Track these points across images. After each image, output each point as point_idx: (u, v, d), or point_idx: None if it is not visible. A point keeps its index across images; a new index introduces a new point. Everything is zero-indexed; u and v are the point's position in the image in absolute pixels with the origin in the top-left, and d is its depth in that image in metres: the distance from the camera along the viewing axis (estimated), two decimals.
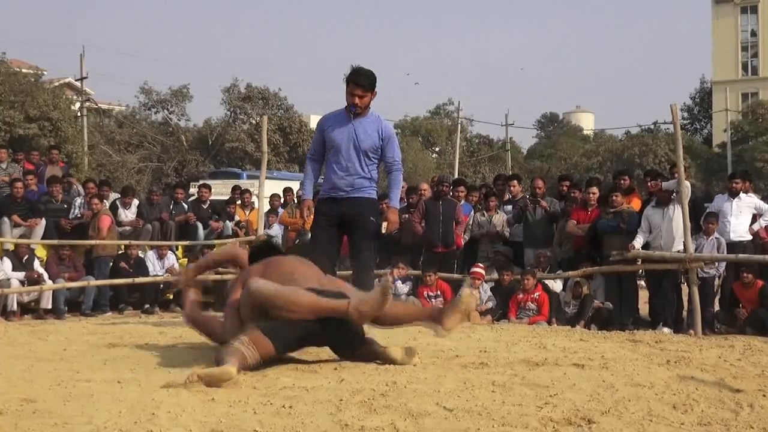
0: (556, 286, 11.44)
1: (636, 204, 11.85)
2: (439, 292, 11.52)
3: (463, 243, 12.61)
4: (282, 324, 5.17)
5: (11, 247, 12.54)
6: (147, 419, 4.13)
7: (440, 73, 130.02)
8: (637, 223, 11.02)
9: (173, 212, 14.28)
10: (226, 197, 16.06)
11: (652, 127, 57.02)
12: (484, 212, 12.73)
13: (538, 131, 74.82)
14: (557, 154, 56.76)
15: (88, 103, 40.09)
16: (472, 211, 13.03)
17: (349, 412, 4.28)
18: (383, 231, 8.53)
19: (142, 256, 13.39)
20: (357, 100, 7.16)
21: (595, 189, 11.96)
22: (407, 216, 12.61)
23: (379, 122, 7.46)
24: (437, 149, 56.54)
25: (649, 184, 11.92)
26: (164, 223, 13.98)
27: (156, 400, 4.48)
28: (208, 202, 15.19)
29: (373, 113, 7.49)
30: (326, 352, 5.90)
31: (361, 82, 7.15)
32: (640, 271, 11.63)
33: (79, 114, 37.05)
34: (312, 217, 7.91)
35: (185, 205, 14.69)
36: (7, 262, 11.99)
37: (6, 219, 13.02)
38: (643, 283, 12.24)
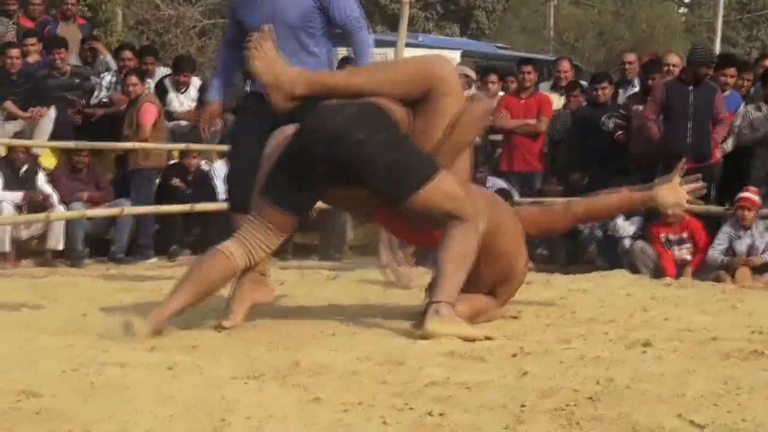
0: None
1: None
2: (685, 235, 8.23)
3: (723, 154, 9.10)
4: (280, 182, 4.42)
5: (3, 152, 9.00)
6: (213, 430, 2.86)
7: None
8: None
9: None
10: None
11: None
12: (762, 105, 9.08)
13: None
14: None
15: None
16: (742, 104, 9.36)
17: (537, 427, 2.84)
18: None
19: (206, 168, 10.04)
20: None
21: None
22: (638, 109, 9.35)
23: None
24: (687, 1, 38.88)
25: None
26: None
27: (227, 399, 3.19)
28: None
29: None
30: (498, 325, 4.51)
31: None
32: None
33: None
34: (211, 128, 6.85)
35: None
36: None
37: None
38: None
